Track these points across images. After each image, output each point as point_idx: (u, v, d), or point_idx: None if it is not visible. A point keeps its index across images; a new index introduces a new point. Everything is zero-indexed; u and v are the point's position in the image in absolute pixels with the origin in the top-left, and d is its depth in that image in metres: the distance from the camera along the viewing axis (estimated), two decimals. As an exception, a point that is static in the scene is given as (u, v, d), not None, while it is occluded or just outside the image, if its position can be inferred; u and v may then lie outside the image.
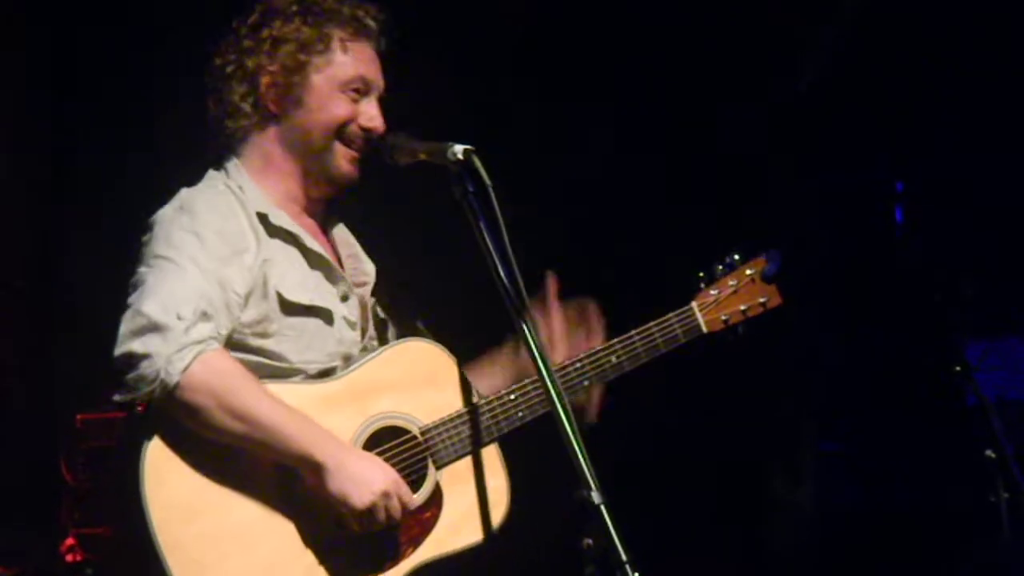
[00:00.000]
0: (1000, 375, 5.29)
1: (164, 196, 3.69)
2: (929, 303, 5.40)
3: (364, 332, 3.75)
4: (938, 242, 5.72)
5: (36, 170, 5.24)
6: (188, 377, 3.32)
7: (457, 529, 3.57)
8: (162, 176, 4.89)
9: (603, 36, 5.75)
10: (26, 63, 5.16)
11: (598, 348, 3.80)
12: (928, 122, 5.84)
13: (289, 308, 3.61)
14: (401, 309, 3.89)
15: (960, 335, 5.21)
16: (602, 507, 3.12)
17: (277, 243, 3.65)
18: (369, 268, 3.86)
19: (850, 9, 5.91)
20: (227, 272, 3.50)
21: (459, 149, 3.42)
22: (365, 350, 3.72)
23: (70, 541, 3.57)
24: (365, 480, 3.40)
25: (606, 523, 3.10)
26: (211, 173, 3.72)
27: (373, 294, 3.84)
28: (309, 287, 3.65)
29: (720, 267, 3.99)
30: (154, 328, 3.33)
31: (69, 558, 3.63)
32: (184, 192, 3.65)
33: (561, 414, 3.20)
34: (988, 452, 4.82)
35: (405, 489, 3.47)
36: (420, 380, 3.63)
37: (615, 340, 3.83)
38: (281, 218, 3.67)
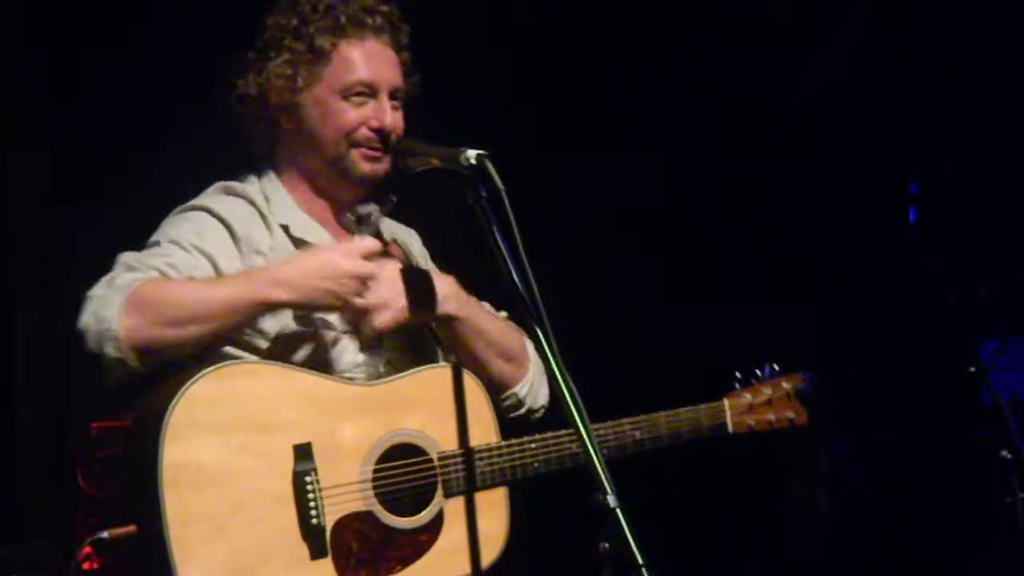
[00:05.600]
0: (1015, 375, 5.28)
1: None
2: (943, 303, 5.40)
3: (381, 343, 3.75)
4: (952, 242, 5.71)
5: (39, 175, 5.22)
6: (124, 323, 3.35)
7: (449, 558, 3.58)
8: (168, 178, 4.90)
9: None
10: (26, 66, 5.15)
11: (624, 421, 3.81)
12: (940, 120, 5.83)
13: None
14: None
15: (975, 335, 5.21)
16: (617, 511, 3.12)
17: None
18: None
19: (864, 6, 5.91)
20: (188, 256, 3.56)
21: (472, 154, 3.41)
22: (389, 364, 3.73)
23: (87, 550, 3.57)
24: (317, 274, 3.44)
25: (622, 527, 3.10)
26: (250, 177, 3.79)
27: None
28: None
29: (758, 372, 4.07)
30: (87, 301, 3.41)
31: (86, 566, 3.63)
32: (200, 198, 3.70)
33: (577, 419, 3.20)
34: (1003, 452, 4.82)
35: (347, 247, 3.50)
36: (451, 409, 3.64)
37: (641, 417, 3.85)
38: (303, 230, 3.72)
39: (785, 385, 4.08)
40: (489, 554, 3.62)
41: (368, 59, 3.75)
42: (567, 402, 3.21)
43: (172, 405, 3.33)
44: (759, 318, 5.89)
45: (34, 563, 4.17)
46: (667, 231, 5.89)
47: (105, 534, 3.42)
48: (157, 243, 3.58)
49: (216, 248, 3.59)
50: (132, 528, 3.37)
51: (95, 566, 3.56)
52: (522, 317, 3.31)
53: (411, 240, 4.01)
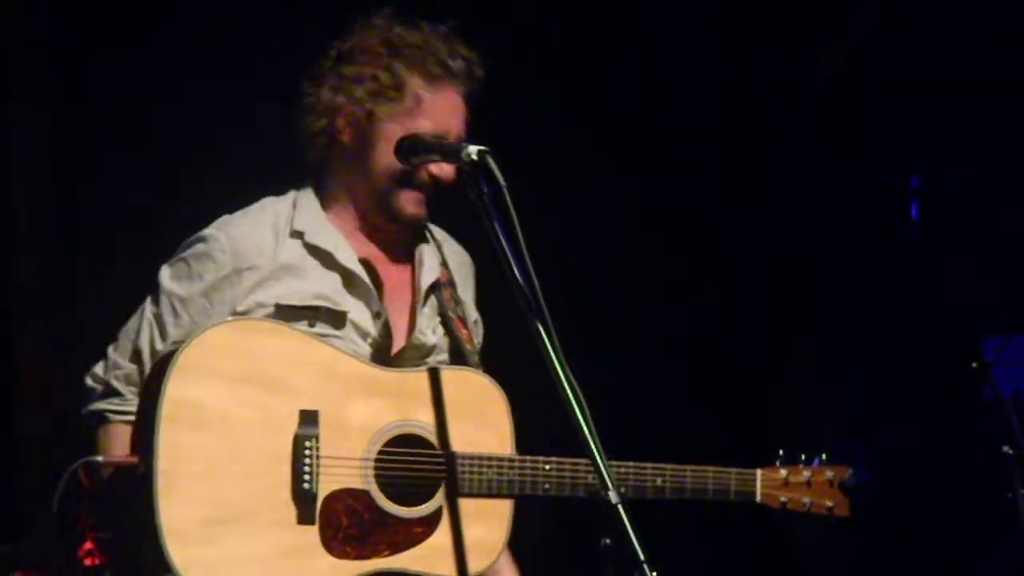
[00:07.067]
0: (1017, 371, 5.28)
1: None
2: (946, 299, 5.40)
3: (387, 353, 3.76)
4: (954, 238, 5.72)
5: (40, 177, 5.23)
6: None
7: (440, 556, 3.57)
8: (170, 184, 4.91)
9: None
10: (27, 67, 5.16)
11: (648, 465, 3.78)
12: (944, 118, 5.84)
13: (284, 313, 3.66)
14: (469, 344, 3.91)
15: (977, 331, 5.21)
16: (619, 507, 3.12)
17: (315, 263, 3.72)
18: None
19: (869, 7, 5.92)
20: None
21: (473, 150, 3.42)
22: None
23: (89, 545, 3.58)
24: None
25: (623, 523, 3.10)
26: (289, 191, 3.83)
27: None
28: (316, 293, 3.69)
29: (803, 456, 4.04)
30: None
31: (88, 562, 3.64)
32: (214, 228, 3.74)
33: (578, 415, 3.20)
34: (1005, 448, 4.82)
35: None
36: (469, 412, 3.64)
37: (668, 466, 3.80)
38: (320, 237, 3.73)
39: (828, 473, 4.04)
40: (482, 561, 3.61)
41: (444, 111, 3.75)
42: (568, 397, 3.20)
43: (185, 345, 3.42)
44: (759, 318, 5.90)
45: (37, 559, 4.18)
46: (664, 230, 5.90)
47: (100, 459, 3.48)
48: (160, 311, 3.67)
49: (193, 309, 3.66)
50: (131, 458, 3.44)
51: (97, 562, 3.57)
52: (524, 313, 3.30)
53: (461, 266, 4.00)
